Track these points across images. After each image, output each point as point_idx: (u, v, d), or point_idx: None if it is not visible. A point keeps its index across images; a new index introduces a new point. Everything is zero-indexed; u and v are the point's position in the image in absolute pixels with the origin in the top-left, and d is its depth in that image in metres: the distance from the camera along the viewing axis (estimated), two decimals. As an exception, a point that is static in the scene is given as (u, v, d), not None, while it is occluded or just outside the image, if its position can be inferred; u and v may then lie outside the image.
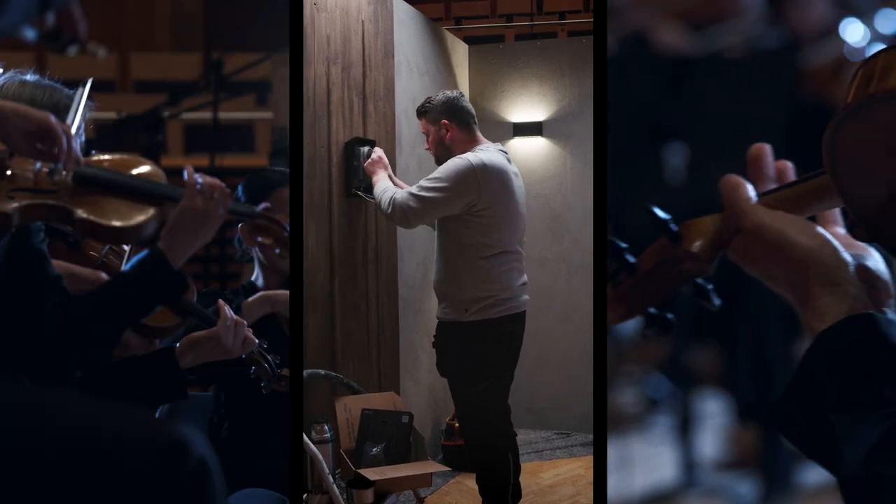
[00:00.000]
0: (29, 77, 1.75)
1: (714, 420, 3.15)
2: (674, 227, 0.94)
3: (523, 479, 3.23)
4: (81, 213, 1.46)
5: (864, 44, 2.96)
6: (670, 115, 2.72)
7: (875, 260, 0.85)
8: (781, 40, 2.98)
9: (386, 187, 3.07)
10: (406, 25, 4.07)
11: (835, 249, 0.81)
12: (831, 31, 2.98)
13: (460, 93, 3.16)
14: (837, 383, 0.75)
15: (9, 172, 1.44)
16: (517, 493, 3.16)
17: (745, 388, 3.07)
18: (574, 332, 4.73)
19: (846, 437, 0.72)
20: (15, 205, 1.37)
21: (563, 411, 4.77)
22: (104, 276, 1.78)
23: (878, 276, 0.83)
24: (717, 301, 0.94)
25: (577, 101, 4.78)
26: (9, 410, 1.19)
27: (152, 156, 3.05)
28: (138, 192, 1.52)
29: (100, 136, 4.21)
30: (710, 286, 0.95)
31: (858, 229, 0.81)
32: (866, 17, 3.03)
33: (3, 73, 1.73)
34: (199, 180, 1.53)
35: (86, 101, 1.54)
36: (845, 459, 0.72)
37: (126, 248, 1.92)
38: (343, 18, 3.42)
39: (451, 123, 3.06)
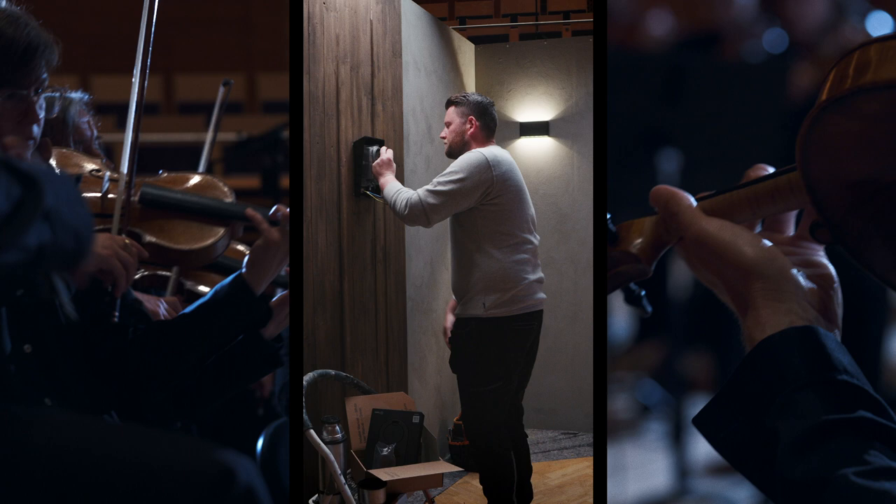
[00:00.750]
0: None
1: None
2: (611, 226, 0.91)
3: (531, 479, 3.23)
4: (150, 237, 1.46)
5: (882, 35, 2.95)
6: (664, 121, 2.71)
7: (834, 289, 0.82)
8: (777, 46, 2.98)
9: (398, 189, 3.08)
10: (413, 25, 4.06)
11: (783, 265, 0.80)
12: (833, 28, 2.98)
13: (493, 101, 3.30)
14: (776, 391, 0.74)
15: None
16: (528, 494, 3.15)
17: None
18: (581, 332, 4.72)
19: (786, 442, 0.71)
20: None
21: (571, 411, 4.76)
22: (162, 307, 1.77)
23: (827, 303, 0.80)
24: (649, 308, 0.92)
25: (583, 100, 4.77)
26: (56, 441, 1.20)
27: (273, 176, 3.08)
28: (206, 213, 1.52)
29: (223, 157, 4.26)
30: (643, 292, 0.92)
31: (821, 231, 0.79)
32: (859, 18, 3.03)
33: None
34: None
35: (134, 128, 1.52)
36: (781, 464, 0.71)
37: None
38: (352, 18, 3.41)
39: (478, 122, 3.17)
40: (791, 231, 0.88)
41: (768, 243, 0.82)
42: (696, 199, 0.86)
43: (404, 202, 3.00)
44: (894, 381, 3.31)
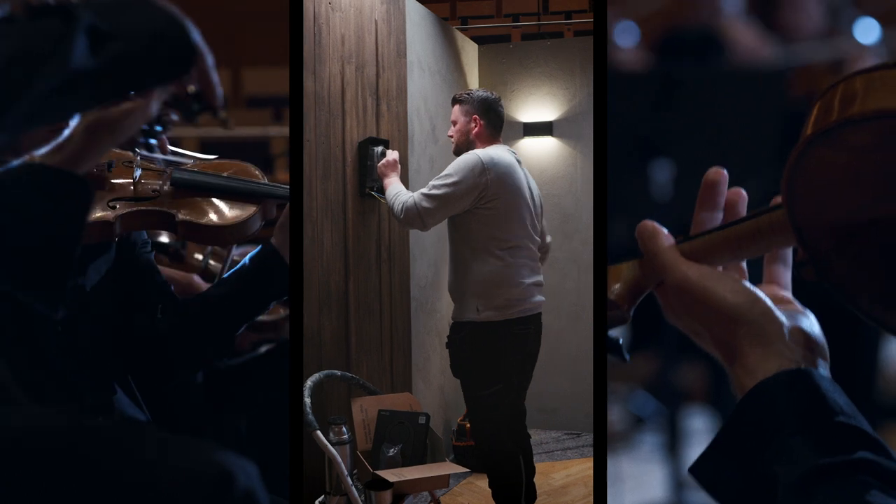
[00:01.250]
0: None
1: (702, 437, 3.11)
2: None
3: (535, 480, 3.22)
4: (182, 215, 1.47)
5: (870, 43, 2.95)
6: (657, 130, 2.68)
7: (811, 322, 0.81)
8: (771, 53, 2.96)
9: (397, 191, 3.06)
10: (418, 25, 4.06)
11: (766, 307, 0.79)
12: (831, 32, 2.97)
13: (499, 97, 3.22)
14: (772, 436, 0.73)
15: (113, 181, 1.46)
16: (532, 495, 3.14)
17: (734, 404, 3.03)
18: (584, 332, 4.72)
19: (786, 486, 0.70)
20: (116, 213, 1.39)
21: (574, 411, 4.76)
22: (197, 278, 1.79)
23: (813, 338, 0.80)
24: (627, 356, 0.90)
25: (587, 100, 4.76)
26: (54, 440, 1.20)
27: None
28: (238, 192, 1.53)
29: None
30: (620, 340, 0.90)
31: (806, 269, 0.77)
32: (847, 26, 3.02)
33: None
34: None
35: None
36: None
37: (226, 252, 1.93)
38: (357, 17, 3.40)
39: (482, 121, 3.11)
40: (745, 277, 0.86)
41: (749, 286, 0.80)
42: (676, 241, 0.85)
43: (401, 206, 2.98)
44: (890, 389, 3.30)
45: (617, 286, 0.88)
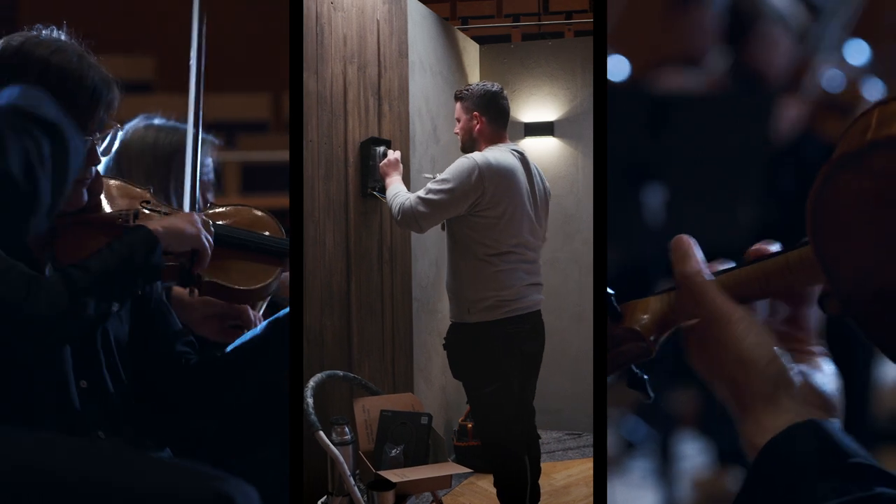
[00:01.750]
0: (156, 121, 1.82)
1: (694, 463, 3.10)
2: (615, 304, 0.88)
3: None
4: (208, 276, 1.48)
5: (839, 75, 2.95)
6: (648, 153, 2.66)
7: (824, 376, 0.80)
8: (755, 80, 2.95)
9: (397, 192, 3.04)
10: (419, 25, 4.05)
11: (781, 368, 0.78)
12: (803, 67, 2.97)
13: (501, 88, 3.11)
14: (790, 490, 0.73)
15: None
16: (536, 495, 3.13)
17: (725, 430, 3.03)
18: (585, 333, 4.72)
19: None
20: None
21: (575, 412, 4.75)
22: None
23: (825, 396, 0.79)
24: (651, 393, 0.88)
25: (588, 101, 4.76)
26: (62, 466, 1.20)
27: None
28: (262, 251, 1.54)
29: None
30: (646, 376, 0.89)
31: (831, 301, 0.77)
32: (834, 48, 3.02)
33: (131, 121, 1.82)
34: None
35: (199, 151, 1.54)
36: None
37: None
38: (359, 17, 3.40)
39: (483, 118, 3.03)
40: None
41: (775, 349, 0.79)
42: (715, 274, 0.83)
43: (398, 208, 2.96)
44: (880, 413, 3.30)
45: (645, 317, 0.86)
